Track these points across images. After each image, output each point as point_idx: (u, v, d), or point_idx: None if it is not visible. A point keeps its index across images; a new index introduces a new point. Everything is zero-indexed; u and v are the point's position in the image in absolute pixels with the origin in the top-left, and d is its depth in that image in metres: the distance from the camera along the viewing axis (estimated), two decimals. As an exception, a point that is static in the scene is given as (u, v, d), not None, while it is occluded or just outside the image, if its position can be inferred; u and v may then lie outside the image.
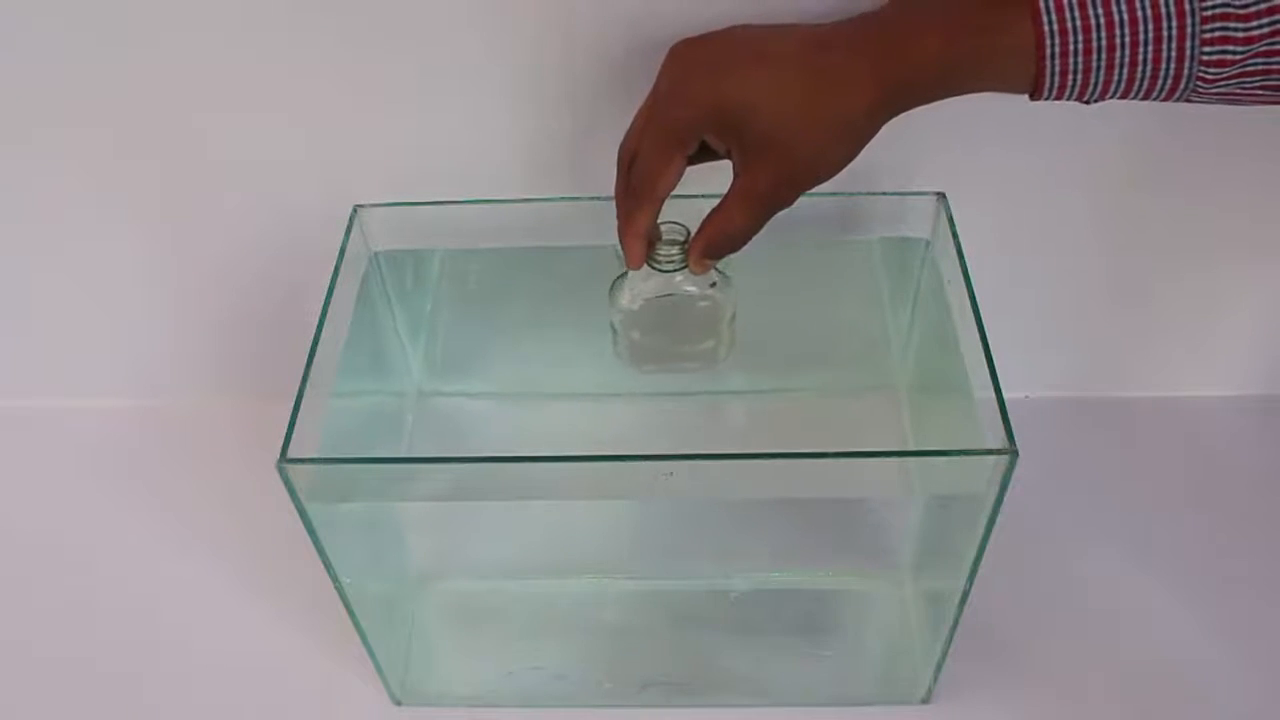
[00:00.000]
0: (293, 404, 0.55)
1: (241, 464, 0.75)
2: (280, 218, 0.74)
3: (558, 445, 0.53)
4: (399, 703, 0.71)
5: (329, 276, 0.62)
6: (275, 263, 0.77)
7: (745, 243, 0.54)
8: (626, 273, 0.61)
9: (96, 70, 0.67)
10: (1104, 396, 0.85)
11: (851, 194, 0.66)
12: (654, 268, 0.58)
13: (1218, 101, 0.48)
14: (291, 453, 0.53)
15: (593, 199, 0.63)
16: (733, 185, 0.52)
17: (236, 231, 0.76)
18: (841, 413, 0.72)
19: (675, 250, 0.58)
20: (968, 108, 0.65)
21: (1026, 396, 0.84)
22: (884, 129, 0.52)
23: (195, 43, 0.66)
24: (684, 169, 0.53)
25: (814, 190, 0.63)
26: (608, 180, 0.57)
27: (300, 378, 0.56)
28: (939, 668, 0.67)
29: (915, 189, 0.65)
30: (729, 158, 0.52)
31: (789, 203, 0.52)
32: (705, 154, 0.54)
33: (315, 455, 0.55)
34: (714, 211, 0.53)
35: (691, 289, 0.61)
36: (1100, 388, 0.87)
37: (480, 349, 0.74)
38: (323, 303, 0.60)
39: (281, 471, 0.53)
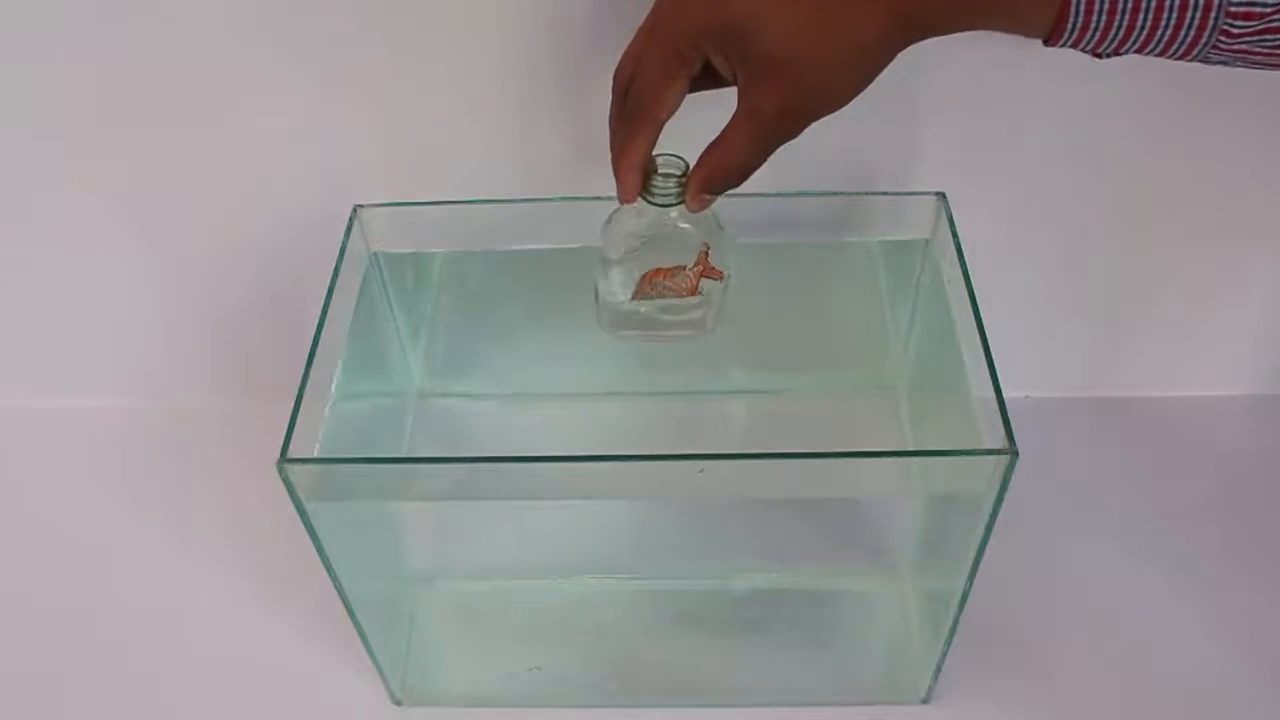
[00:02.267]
0: (293, 404, 0.55)
1: (241, 464, 0.75)
2: (280, 218, 0.74)
3: (557, 445, 0.53)
4: (399, 703, 0.71)
5: (329, 276, 0.62)
6: (275, 263, 0.77)
7: (747, 175, 0.51)
8: (612, 217, 0.58)
9: (98, 70, 0.67)
10: (1104, 396, 0.85)
11: (851, 194, 0.66)
12: (648, 200, 0.54)
13: (1234, 62, 0.47)
14: (291, 453, 0.53)
15: (594, 199, 0.62)
16: (736, 112, 0.50)
17: (237, 231, 0.76)
18: (841, 413, 0.72)
19: (672, 183, 0.54)
20: (968, 108, 0.66)
21: (1026, 396, 0.84)
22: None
23: (196, 44, 0.66)
24: (685, 91, 0.51)
25: (813, 190, 0.63)
26: (609, 180, 0.56)
27: (300, 378, 0.56)
28: (939, 668, 0.67)
29: (915, 189, 0.66)
30: (734, 82, 0.50)
31: (794, 133, 0.49)
32: (708, 79, 0.51)
33: (315, 455, 0.56)
34: (715, 141, 0.51)
35: (686, 226, 0.57)
36: (1100, 388, 0.87)
37: (480, 349, 0.75)
38: (323, 303, 0.60)
39: (281, 471, 0.53)
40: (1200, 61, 0.47)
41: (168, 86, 0.68)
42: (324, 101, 0.68)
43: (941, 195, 0.65)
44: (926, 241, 0.67)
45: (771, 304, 0.68)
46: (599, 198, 0.60)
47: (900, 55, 0.47)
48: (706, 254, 0.57)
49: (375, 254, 0.69)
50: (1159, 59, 0.47)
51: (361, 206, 0.66)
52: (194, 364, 0.86)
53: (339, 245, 0.64)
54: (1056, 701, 0.69)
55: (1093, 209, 0.75)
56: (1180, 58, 0.47)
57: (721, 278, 0.58)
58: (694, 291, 0.57)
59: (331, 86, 0.68)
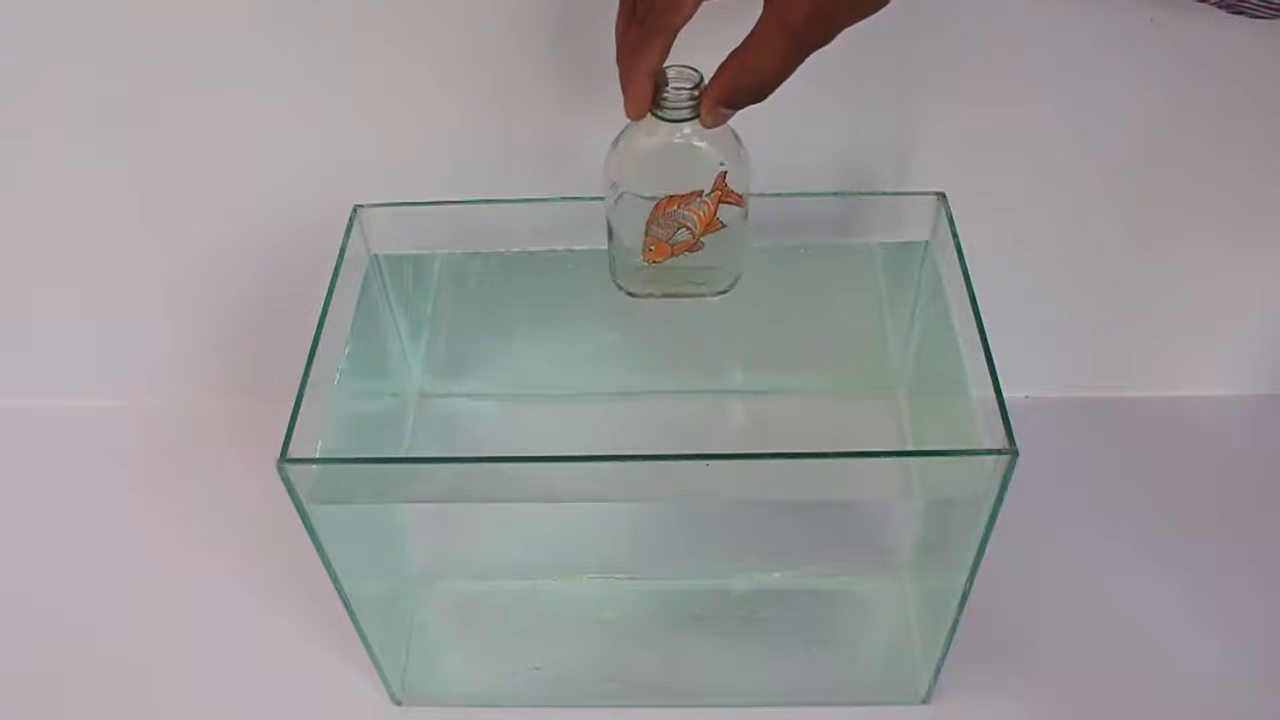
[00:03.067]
0: (293, 404, 0.55)
1: (241, 464, 0.75)
2: (280, 218, 0.74)
3: (556, 446, 0.53)
4: (399, 703, 0.71)
5: (329, 277, 0.61)
6: (275, 263, 0.77)
7: (772, 88, 0.47)
8: (618, 140, 0.55)
9: (96, 69, 0.67)
10: (1104, 396, 0.85)
11: (851, 194, 0.66)
12: (658, 115, 0.51)
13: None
14: (291, 453, 0.53)
15: (595, 199, 0.61)
16: (762, 17, 0.47)
17: (236, 232, 0.76)
18: (841, 414, 0.71)
19: (684, 96, 0.51)
20: (967, 106, 0.66)
21: (1026, 396, 0.84)
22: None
23: (196, 42, 0.66)
24: None
25: (813, 191, 0.63)
26: (600, 182, 0.56)
27: (300, 378, 0.56)
28: (939, 667, 0.67)
29: (915, 189, 0.65)
30: None
31: (824, 39, 0.46)
32: None
33: (315, 455, 0.55)
34: (737, 50, 0.48)
35: (702, 145, 0.54)
36: (1100, 388, 0.86)
37: (481, 350, 0.74)
38: (323, 303, 0.59)
39: (281, 472, 0.52)
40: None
41: (167, 86, 0.68)
42: (325, 101, 0.68)
43: (941, 195, 0.65)
44: (926, 243, 0.67)
45: (771, 305, 0.67)
46: (601, 198, 0.59)
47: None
48: (724, 178, 0.54)
49: (375, 255, 0.68)
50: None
51: (362, 206, 0.65)
52: (194, 364, 0.85)
53: (339, 245, 0.64)
54: (1056, 701, 0.69)
55: (1093, 210, 0.75)
56: None
57: (742, 203, 0.55)
58: (713, 220, 0.54)
59: (333, 86, 0.68)
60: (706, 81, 0.50)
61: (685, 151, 0.53)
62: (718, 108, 0.49)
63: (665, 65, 0.50)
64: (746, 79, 0.47)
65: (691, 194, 0.54)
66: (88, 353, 0.85)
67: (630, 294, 0.59)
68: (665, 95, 0.50)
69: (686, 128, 0.52)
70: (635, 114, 0.51)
